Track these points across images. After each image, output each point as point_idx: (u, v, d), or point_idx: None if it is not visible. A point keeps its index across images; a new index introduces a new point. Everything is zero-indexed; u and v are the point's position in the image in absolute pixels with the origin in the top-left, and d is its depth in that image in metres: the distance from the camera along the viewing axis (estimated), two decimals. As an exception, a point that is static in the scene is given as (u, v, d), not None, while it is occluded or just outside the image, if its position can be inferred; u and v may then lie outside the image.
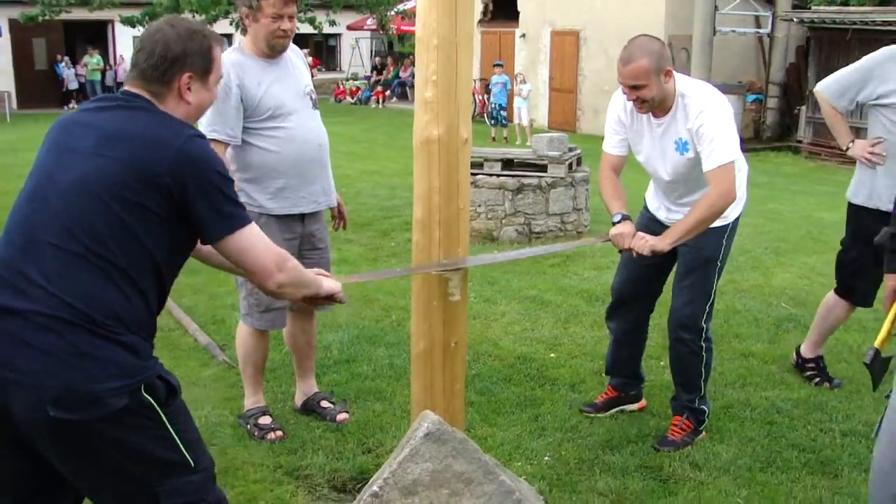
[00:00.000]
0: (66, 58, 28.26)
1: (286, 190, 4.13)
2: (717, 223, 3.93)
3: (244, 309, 4.30)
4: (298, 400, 4.61)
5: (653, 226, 4.17)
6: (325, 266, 4.42)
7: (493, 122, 20.10)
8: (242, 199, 4.00)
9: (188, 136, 2.39)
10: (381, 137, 19.85)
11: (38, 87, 27.79)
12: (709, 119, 3.71)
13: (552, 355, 5.43)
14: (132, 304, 2.32)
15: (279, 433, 4.26)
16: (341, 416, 4.45)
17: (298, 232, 4.24)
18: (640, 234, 3.84)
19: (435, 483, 3.17)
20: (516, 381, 4.99)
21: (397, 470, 3.16)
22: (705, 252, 4.04)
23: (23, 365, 2.19)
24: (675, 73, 3.81)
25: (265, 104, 4.04)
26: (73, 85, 27.85)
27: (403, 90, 31.47)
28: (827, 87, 4.74)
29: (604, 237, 4.06)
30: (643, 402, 4.64)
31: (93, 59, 27.94)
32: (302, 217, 4.24)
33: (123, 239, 2.30)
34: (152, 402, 2.29)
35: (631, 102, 3.85)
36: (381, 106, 29.29)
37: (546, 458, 4.08)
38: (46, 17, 11.65)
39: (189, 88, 2.50)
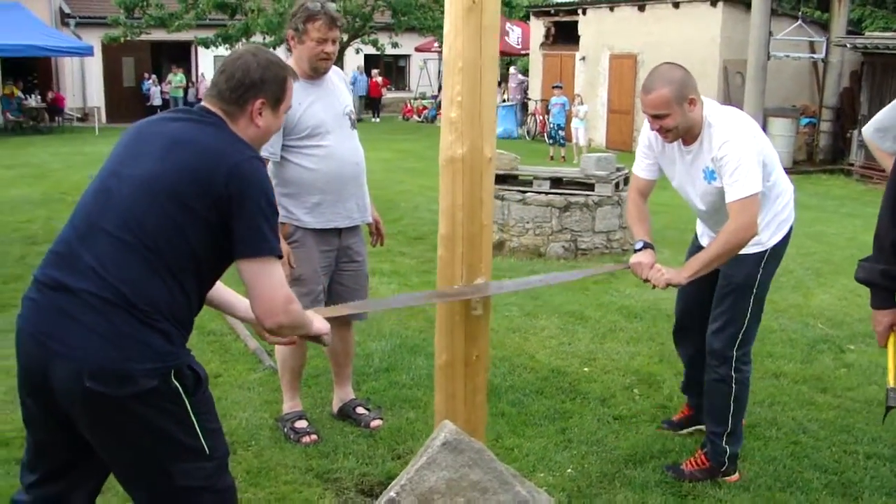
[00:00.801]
0: (154, 76, 28.89)
1: (322, 205, 4.15)
2: (753, 249, 3.76)
3: None
4: (335, 406, 4.61)
5: (697, 250, 4.04)
6: (362, 278, 4.43)
7: (551, 141, 20.02)
8: (281, 212, 4.06)
9: (248, 156, 2.49)
10: (443, 155, 19.86)
11: (125, 103, 28.41)
12: (731, 150, 3.54)
13: (586, 369, 5.35)
14: (173, 297, 2.40)
15: (314, 437, 4.27)
16: (375, 423, 4.44)
17: (335, 245, 4.25)
18: (658, 266, 3.69)
19: (451, 491, 3.14)
20: (548, 394, 4.92)
21: (414, 477, 3.13)
22: (738, 279, 3.83)
23: (68, 338, 2.31)
24: (703, 100, 3.67)
25: (304, 123, 4.07)
26: (158, 101, 28.45)
27: (468, 109, 31.51)
28: (868, 131, 4.42)
29: (623, 265, 3.94)
30: None
31: (176, 77, 28.50)
32: (339, 231, 4.25)
33: (173, 238, 2.39)
34: (179, 388, 2.37)
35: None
36: (446, 124, 29.32)
37: (569, 469, 4.01)
38: (128, 38, 11.90)
39: (261, 113, 2.60)
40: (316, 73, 4.16)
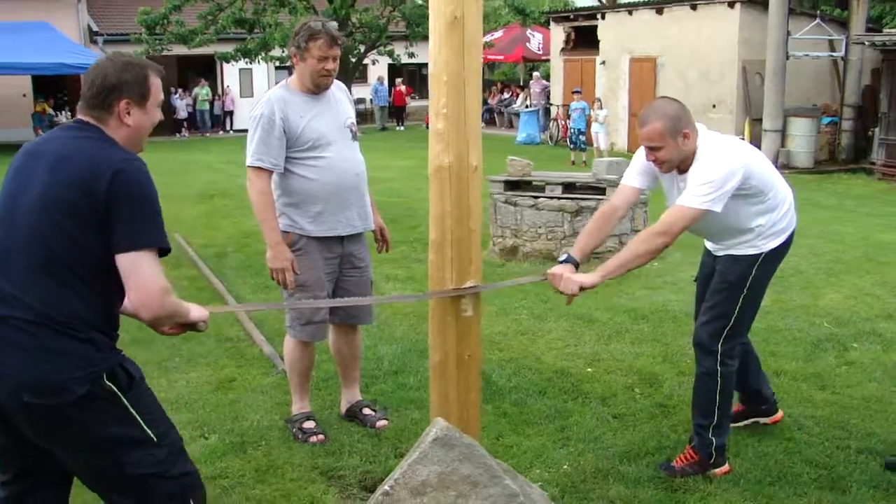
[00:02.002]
0: (180, 89, 29.31)
1: (324, 214, 4.32)
2: (748, 251, 3.92)
3: (288, 322, 4.49)
4: (343, 407, 4.77)
5: (707, 258, 4.23)
6: (365, 284, 4.59)
7: (572, 146, 20.12)
8: (285, 222, 4.24)
9: (123, 159, 2.60)
10: (464, 161, 20.00)
11: (152, 117, 28.87)
12: (704, 166, 3.70)
13: (589, 370, 5.48)
14: (89, 305, 2.57)
15: (321, 437, 4.43)
16: (380, 423, 4.59)
17: (338, 252, 4.42)
18: (569, 276, 3.74)
19: (442, 484, 3.28)
20: (550, 394, 5.05)
21: (407, 471, 3.28)
22: (729, 278, 3.97)
23: (4, 359, 2.50)
24: (700, 130, 3.82)
25: (306, 136, 4.25)
26: (184, 114, 28.87)
27: (492, 116, 31.71)
28: None
29: (542, 276, 3.99)
30: (778, 416, 4.54)
31: (202, 91, 28.92)
32: (341, 239, 4.42)
33: (74, 249, 2.55)
34: (114, 388, 2.55)
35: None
36: (469, 131, 29.44)
37: (565, 466, 4.14)
38: (151, 54, 12.16)
39: (129, 113, 2.70)
40: (318, 88, 4.34)
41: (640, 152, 4.04)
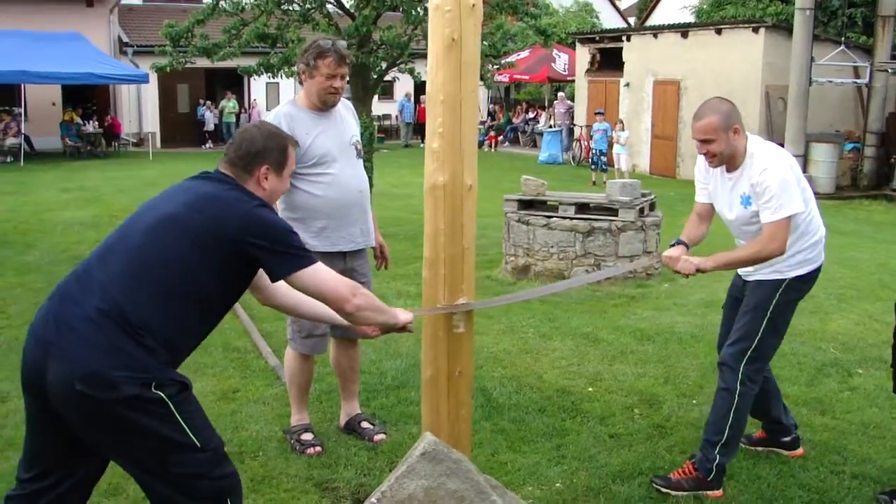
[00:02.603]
0: (208, 101, 29.60)
1: (327, 230, 4.40)
2: (772, 276, 4.05)
3: (289, 334, 4.56)
4: (342, 420, 4.82)
5: (737, 283, 4.36)
6: None
7: (594, 167, 20.15)
8: None
9: (256, 205, 2.88)
10: (487, 180, 19.93)
11: (179, 128, 29.19)
12: (769, 176, 3.86)
13: (590, 389, 5.50)
14: (167, 320, 2.72)
15: (318, 449, 4.48)
16: (378, 437, 4.64)
17: (340, 267, 4.47)
18: (686, 257, 4.00)
19: (428, 499, 3.32)
20: (549, 413, 5.08)
21: (394, 484, 3.32)
22: (754, 300, 4.12)
23: (65, 344, 2.62)
24: (748, 135, 4.01)
25: (312, 152, 4.33)
26: (211, 126, 29.16)
27: (516, 135, 31.79)
28: None
29: (657, 257, 4.31)
30: (798, 452, 4.52)
31: (229, 104, 29.18)
32: (344, 254, 4.49)
33: (176, 267, 2.74)
34: (162, 395, 2.66)
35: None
36: (493, 150, 29.57)
37: (557, 484, 4.16)
38: (174, 67, 12.31)
39: (266, 178, 3.01)
40: (325, 105, 4.42)
41: (698, 170, 4.29)
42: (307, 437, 4.56)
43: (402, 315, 3.21)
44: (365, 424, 4.74)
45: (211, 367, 5.84)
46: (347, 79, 4.47)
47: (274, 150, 3.02)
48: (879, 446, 4.66)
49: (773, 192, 3.83)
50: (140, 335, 2.65)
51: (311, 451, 4.47)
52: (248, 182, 2.97)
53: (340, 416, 4.86)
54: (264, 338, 6.44)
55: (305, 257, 2.89)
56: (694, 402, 5.25)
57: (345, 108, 4.61)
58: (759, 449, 4.57)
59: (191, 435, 2.72)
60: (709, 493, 4.05)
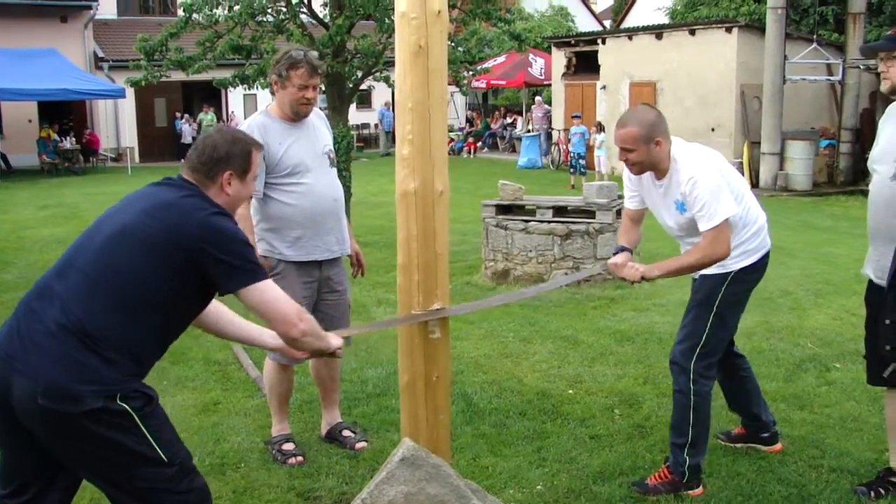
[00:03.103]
0: (186, 115, 29.50)
1: (302, 239, 4.40)
2: (716, 270, 4.02)
3: None
4: (323, 429, 4.82)
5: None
6: (343, 308, 4.65)
7: (572, 170, 20.22)
8: (263, 247, 4.32)
9: (213, 213, 2.84)
10: (466, 186, 20.04)
11: (157, 143, 29.10)
12: (697, 185, 3.84)
13: (570, 391, 5.52)
14: (127, 331, 2.70)
15: (300, 458, 4.48)
16: (360, 445, 4.64)
17: (316, 276, 4.49)
18: (632, 264, 4.02)
19: (409, 504, 3.33)
20: (530, 416, 5.09)
21: (374, 491, 3.33)
22: (699, 296, 4.11)
23: (27, 359, 2.62)
24: (673, 139, 3.98)
25: (285, 162, 4.34)
26: (189, 139, 29.04)
27: (494, 141, 31.83)
28: None
29: (601, 266, 4.27)
30: (777, 447, 4.55)
31: (207, 116, 29.07)
32: (319, 263, 4.49)
33: (135, 279, 2.72)
34: (126, 408, 2.64)
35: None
36: (471, 156, 29.62)
37: (539, 486, 4.17)
38: (149, 81, 12.29)
39: (230, 183, 2.96)
40: (297, 116, 4.43)
41: (625, 178, 4.29)
42: (288, 447, 4.55)
43: (335, 340, 3.13)
44: (346, 433, 4.75)
45: (192, 380, 5.83)
46: (321, 89, 4.49)
47: (237, 155, 2.97)
48: (857, 439, 4.70)
49: (705, 200, 3.82)
50: (101, 347, 2.63)
51: (292, 460, 4.46)
52: (211, 188, 2.93)
53: (322, 425, 4.86)
54: (245, 350, 6.43)
55: (259, 272, 2.84)
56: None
57: (317, 118, 4.61)
58: (738, 445, 4.59)
59: (157, 449, 2.70)
60: (689, 492, 4.06)
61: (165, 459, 2.72)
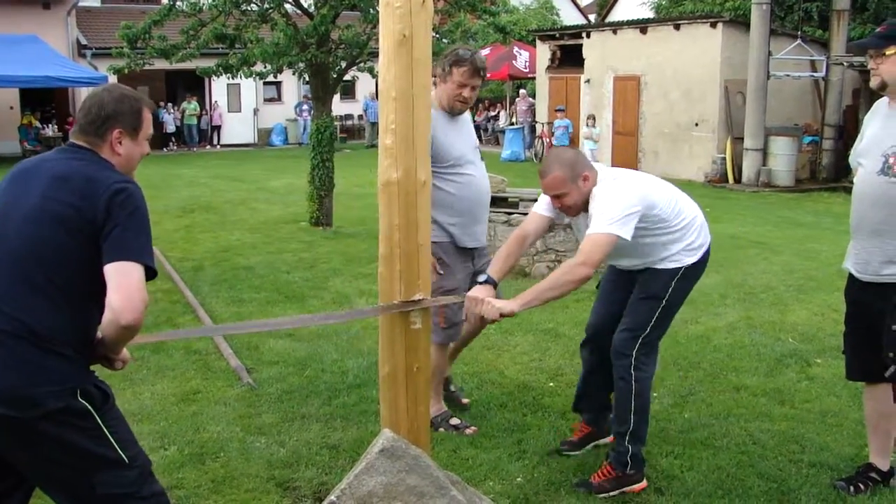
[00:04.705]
0: (169, 104, 29.33)
1: (458, 227, 4.64)
2: (669, 265, 4.02)
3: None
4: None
5: (614, 275, 4.35)
6: None
7: (556, 163, 20.19)
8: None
9: (120, 180, 2.68)
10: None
11: (140, 131, 28.85)
12: (597, 199, 3.84)
13: (551, 384, 5.52)
14: (70, 322, 2.60)
15: (474, 428, 4.74)
16: (465, 401, 5.09)
17: (469, 263, 4.74)
18: (489, 299, 3.85)
19: (388, 495, 3.31)
20: (511, 408, 5.09)
21: (353, 482, 3.31)
22: (650, 289, 4.08)
23: None
24: (600, 171, 3.96)
25: (451, 153, 4.55)
26: (172, 128, 28.89)
27: (478, 133, 31.75)
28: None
29: (461, 297, 4.09)
30: (610, 438, 4.49)
31: (190, 105, 28.96)
32: (471, 252, 4.74)
33: (63, 265, 2.59)
34: (87, 406, 2.56)
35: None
36: (456, 148, 29.51)
37: (518, 479, 4.17)
38: (132, 69, 12.20)
39: (120, 142, 2.79)
40: (452, 112, 4.64)
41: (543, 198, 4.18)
42: (456, 421, 4.78)
43: (125, 352, 2.86)
44: (452, 388, 5.12)
45: (172, 369, 5.79)
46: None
47: (126, 112, 2.79)
48: (837, 434, 4.72)
49: (598, 211, 3.79)
50: (52, 344, 2.54)
51: (469, 431, 4.70)
52: (103, 149, 2.76)
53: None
54: (225, 339, 6.39)
55: (142, 253, 2.61)
56: (654, 394, 5.25)
57: (465, 115, 4.81)
58: (580, 452, 4.49)
59: (118, 450, 2.63)
60: (633, 487, 4.03)
61: (126, 461, 2.64)
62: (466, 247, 4.69)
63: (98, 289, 2.59)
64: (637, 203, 3.82)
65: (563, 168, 3.87)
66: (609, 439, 4.46)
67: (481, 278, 4.01)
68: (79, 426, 2.55)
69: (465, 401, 5.07)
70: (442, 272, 4.59)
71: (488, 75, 31.09)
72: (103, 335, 2.68)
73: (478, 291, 3.91)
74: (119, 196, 2.62)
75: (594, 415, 4.54)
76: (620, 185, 3.89)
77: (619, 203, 3.79)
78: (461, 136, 4.66)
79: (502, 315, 3.82)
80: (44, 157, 2.83)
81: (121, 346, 2.76)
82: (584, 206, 3.95)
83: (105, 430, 2.60)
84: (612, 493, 3.99)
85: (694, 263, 4.06)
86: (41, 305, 2.55)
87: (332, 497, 3.32)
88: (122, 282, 2.55)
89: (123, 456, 2.63)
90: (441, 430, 4.69)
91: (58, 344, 2.55)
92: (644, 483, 4.06)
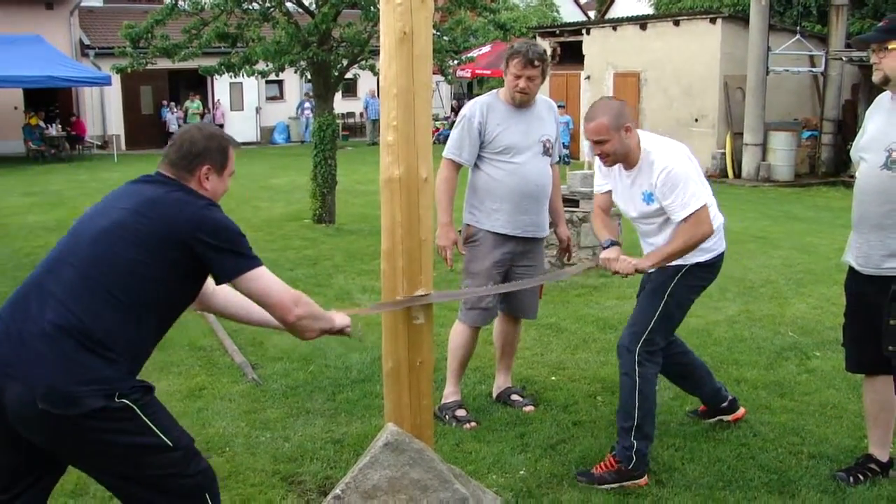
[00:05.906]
0: (172, 103, 29.33)
1: (498, 213, 4.77)
2: (672, 263, 4.07)
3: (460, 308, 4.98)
4: (495, 392, 5.18)
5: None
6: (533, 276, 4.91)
7: (557, 159, 20.20)
8: (467, 215, 4.75)
9: (205, 205, 2.83)
10: (451, 174, 20.11)
11: (143, 130, 28.85)
12: (670, 176, 3.92)
13: (553, 378, 5.53)
14: (125, 330, 2.67)
15: (474, 424, 4.74)
16: (527, 409, 4.97)
17: (510, 249, 4.80)
18: (624, 256, 4.04)
19: (393, 489, 3.33)
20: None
21: (358, 475, 3.34)
22: (653, 285, 4.18)
23: (21, 363, 2.56)
24: (639, 132, 4.06)
25: (500, 141, 4.74)
26: (174, 127, 28.87)
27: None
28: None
29: (595, 260, 4.29)
30: (740, 413, 4.73)
31: (193, 104, 28.93)
32: (514, 239, 4.82)
33: (129, 276, 2.68)
34: (128, 402, 2.62)
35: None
36: (457, 144, 29.48)
37: (521, 472, 4.18)
38: (134, 68, 12.21)
39: (207, 178, 2.93)
40: (514, 102, 4.78)
41: (597, 167, 4.33)
42: (462, 413, 4.81)
43: (339, 319, 3.10)
44: (515, 397, 5.07)
45: (177, 366, 5.81)
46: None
47: (214, 150, 2.95)
48: (836, 426, 4.73)
49: (678, 190, 3.91)
50: (100, 346, 2.59)
51: (467, 426, 4.70)
52: (191, 182, 2.91)
53: (493, 387, 5.21)
54: (230, 335, 6.41)
55: (254, 259, 2.84)
56: (656, 388, 5.28)
57: (546, 109, 4.95)
58: (709, 421, 4.72)
59: (161, 436, 2.69)
60: (634, 482, 4.03)
61: (171, 444, 2.70)
62: (508, 234, 4.77)
63: (160, 304, 2.74)
64: (693, 169, 4.00)
65: (608, 115, 3.95)
66: (731, 417, 4.67)
67: (606, 243, 4.17)
68: (120, 419, 2.60)
69: (527, 409, 4.96)
70: (464, 252, 4.78)
71: (489, 72, 31.27)
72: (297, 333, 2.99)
73: (609, 253, 4.08)
74: (206, 217, 2.78)
75: (706, 399, 4.70)
76: (677, 154, 4.01)
77: (688, 175, 3.94)
78: (518, 128, 4.74)
79: (637, 270, 4.00)
80: (138, 180, 2.95)
81: (313, 331, 2.98)
82: (621, 159, 4.04)
83: (146, 420, 2.65)
84: (612, 486, 4.00)
85: (700, 263, 4.10)
86: (96, 307, 2.63)
87: (337, 490, 3.34)
88: (264, 292, 2.83)
89: (167, 440, 2.69)
90: (445, 418, 4.75)
91: (103, 347, 2.60)
92: (645, 479, 4.07)
